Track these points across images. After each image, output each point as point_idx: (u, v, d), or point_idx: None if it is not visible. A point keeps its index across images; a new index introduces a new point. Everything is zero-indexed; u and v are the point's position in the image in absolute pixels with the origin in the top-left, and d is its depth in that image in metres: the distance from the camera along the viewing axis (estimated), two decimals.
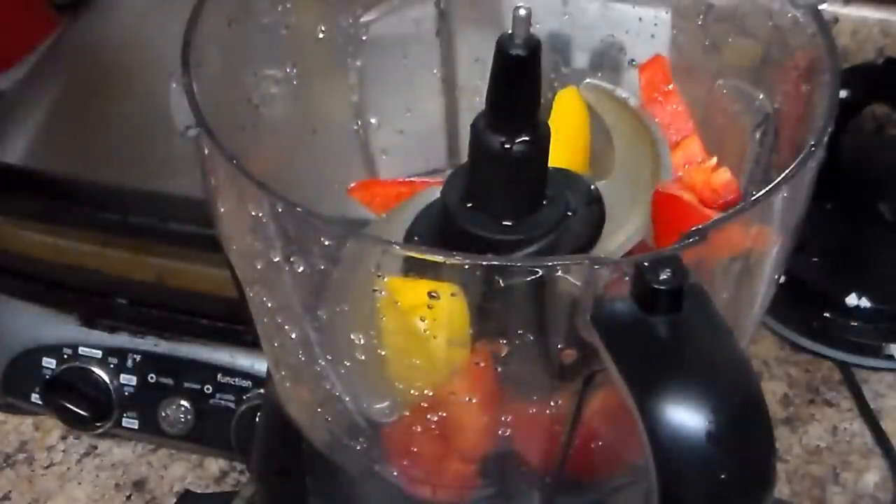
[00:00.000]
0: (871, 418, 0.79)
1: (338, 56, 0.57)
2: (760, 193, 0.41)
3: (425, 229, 0.49)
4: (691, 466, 0.37)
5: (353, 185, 0.56)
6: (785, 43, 0.50)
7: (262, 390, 0.71)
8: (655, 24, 0.55)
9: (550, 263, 0.39)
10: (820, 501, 0.75)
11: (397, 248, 0.41)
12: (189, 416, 0.73)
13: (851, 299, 0.82)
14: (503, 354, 0.43)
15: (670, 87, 0.52)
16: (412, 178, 0.56)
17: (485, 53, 0.45)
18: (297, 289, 0.45)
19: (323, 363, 0.48)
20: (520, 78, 0.44)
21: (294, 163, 0.56)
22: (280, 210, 0.41)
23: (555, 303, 0.40)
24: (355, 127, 0.59)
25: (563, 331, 0.41)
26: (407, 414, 0.47)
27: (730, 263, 0.44)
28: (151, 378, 0.74)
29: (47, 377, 0.75)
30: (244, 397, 0.72)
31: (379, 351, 0.45)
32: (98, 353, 0.74)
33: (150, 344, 0.74)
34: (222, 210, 0.47)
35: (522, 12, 0.43)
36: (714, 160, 0.50)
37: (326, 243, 0.41)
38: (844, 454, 0.77)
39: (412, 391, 0.46)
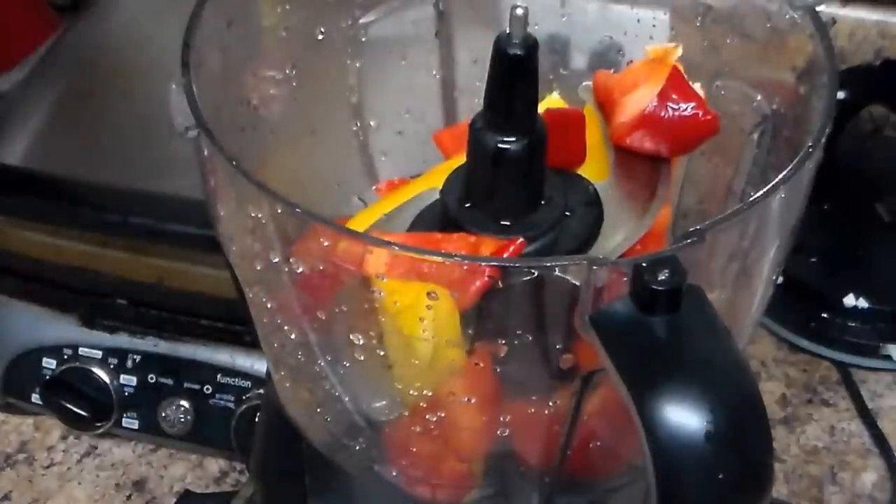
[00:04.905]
0: (868, 418, 0.79)
1: (337, 57, 0.58)
2: (759, 194, 0.42)
3: (425, 229, 0.49)
4: (689, 466, 0.37)
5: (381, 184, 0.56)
6: (783, 44, 0.50)
7: (261, 390, 0.71)
8: (654, 26, 0.55)
9: (549, 264, 0.39)
10: (818, 501, 0.75)
11: (397, 248, 0.41)
12: (189, 416, 0.73)
13: (849, 300, 0.82)
14: (502, 355, 0.43)
15: None
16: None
17: (484, 54, 0.45)
18: (297, 289, 0.45)
19: (322, 363, 0.48)
20: (517, 77, 0.44)
21: (293, 164, 0.56)
22: (279, 211, 0.41)
23: (553, 303, 0.40)
24: (354, 128, 0.59)
25: (561, 331, 0.41)
26: (406, 414, 0.47)
27: (728, 264, 0.44)
28: (151, 378, 0.74)
29: (47, 377, 0.75)
30: (244, 397, 0.72)
31: (378, 351, 0.45)
32: (98, 354, 0.74)
33: (150, 344, 0.74)
34: (222, 211, 0.47)
35: (520, 12, 0.43)
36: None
37: (326, 243, 0.42)
38: (842, 454, 0.77)
39: (411, 391, 0.46)
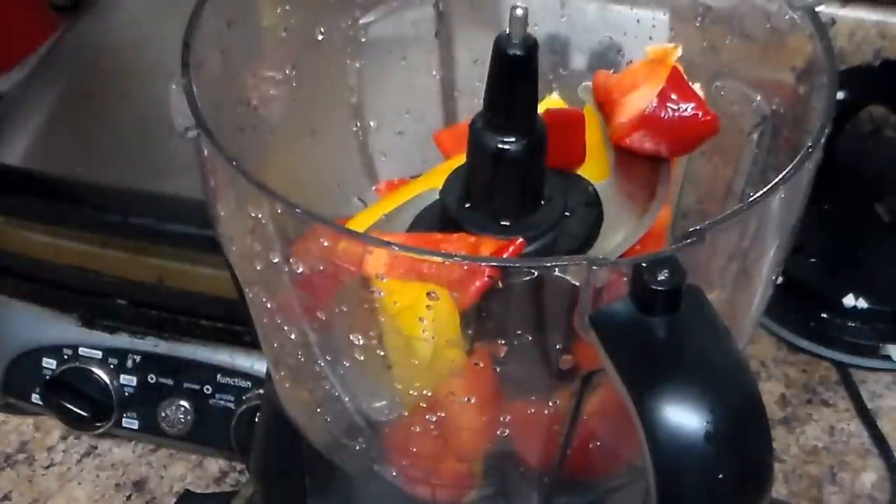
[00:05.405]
0: (868, 418, 0.79)
1: (337, 58, 0.58)
2: (758, 195, 0.42)
3: (425, 229, 0.49)
4: (689, 466, 0.37)
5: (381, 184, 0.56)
6: (783, 44, 0.51)
7: (261, 390, 0.71)
8: (653, 26, 0.55)
9: (548, 264, 0.39)
10: (817, 501, 0.75)
11: (397, 248, 0.41)
12: (189, 416, 0.73)
13: (849, 300, 0.83)
14: (502, 355, 0.43)
15: None
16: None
17: (483, 55, 0.45)
18: (297, 289, 0.45)
19: (322, 363, 0.48)
20: (517, 77, 0.44)
21: (293, 164, 0.56)
22: (279, 211, 0.41)
23: (553, 303, 0.40)
24: (354, 128, 0.59)
25: (561, 331, 0.41)
26: (406, 414, 0.47)
27: (728, 264, 0.44)
28: (151, 378, 0.74)
29: (47, 377, 0.75)
30: (244, 397, 0.72)
31: (378, 351, 0.45)
32: (98, 354, 0.75)
33: (150, 344, 0.74)
34: (222, 211, 0.47)
35: (519, 12, 0.43)
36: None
37: (326, 243, 0.42)
38: (842, 454, 0.78)
39: (411, 391, 0.46)
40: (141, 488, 0.77)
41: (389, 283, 0.41)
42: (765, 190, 0.42)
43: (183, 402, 0.73)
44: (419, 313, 0.42)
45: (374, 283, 0.42)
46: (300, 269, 0.43)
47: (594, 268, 0.38)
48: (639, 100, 0.49)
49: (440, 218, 0.48)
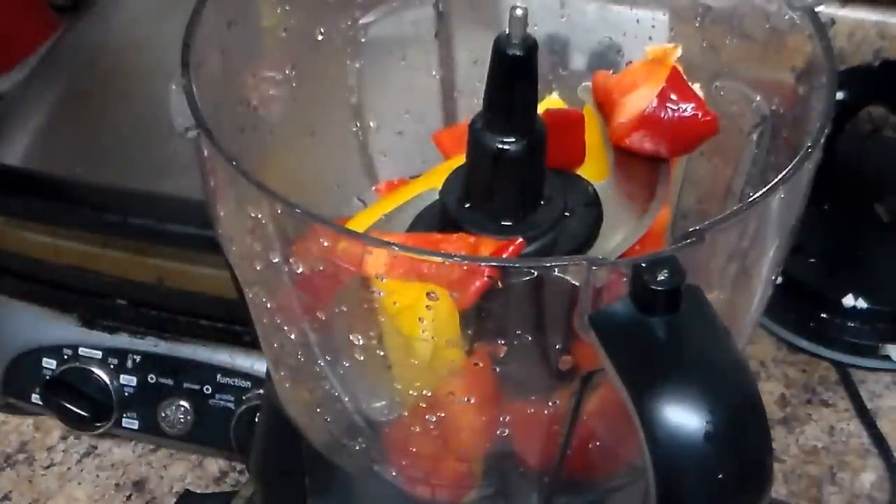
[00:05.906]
0: (867, 419, 0.79)
1: (337, 58, 0.58)
2: (758, 195, 0.42)
3: (425, 229, 0.49)
4: (689, 466, 0.37)
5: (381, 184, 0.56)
6: (782, 45, 0.51)
7: (261, 390, 0.71)
8: (653, 26, 0.56)
9: (548, 264, 0.39)
10: (817, 501, 0.75)
11: (397, 248, 0.41)
12: (189, 417, 0.73)
13: (848, 300, 0.83)
14: (502, 355, 0.43)
15: None
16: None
17: (483, 55, 0.45)
18: (297, 289, 0.45)
19: (322, 363, 0.48)
20: (517, 78, 0.44)
21: (293, 164, 0.56)
22: (279, 211, 0.41)
23: (553, 303, 0.40)
24: (354, 128, 0.59)
25: (561, 331, 0.41)
26: (406, 414, 0.47)
27: (727, 264, 0.44)
28: (151, 378, 0.74)
29: (47, 377, 0.75)
30: (244, 397, 0.72)
31: (378, 351, 0.45)
32: (98, 354, 0.75)
33: (150, 344, 0.74)
34: (222, 211, 0.47)
35: (519, 12, 0.43)
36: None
37: (326, 243, 0.42)
38: (841, 454, 0.78)
39: (411, 391, 0.46)
40: (141, 488, 0.77)
41: (389, 283, 0.41)
42: (765, 190, 0.42)
43: (183, 402, 0.73)
44: (419, 313, 0.42)
45: (373, 283, 0.42)
46: (300, 269, 0.43)
47: (594, 268, 0.38)
48: (638, 100, 0.49)
49: (440, 218, 0.48)
